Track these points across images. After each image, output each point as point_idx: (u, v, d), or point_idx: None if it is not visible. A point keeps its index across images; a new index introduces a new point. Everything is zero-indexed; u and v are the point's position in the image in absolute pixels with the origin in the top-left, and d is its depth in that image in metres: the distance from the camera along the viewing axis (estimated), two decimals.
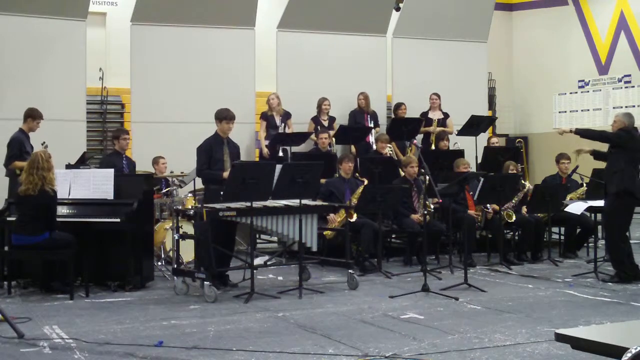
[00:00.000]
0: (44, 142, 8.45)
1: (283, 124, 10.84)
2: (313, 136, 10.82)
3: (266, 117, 10.95)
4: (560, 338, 2.71)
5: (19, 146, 8.54)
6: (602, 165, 9.12)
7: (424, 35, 12.24)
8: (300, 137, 10.50)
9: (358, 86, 11.43)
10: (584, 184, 9.76)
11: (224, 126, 7.69)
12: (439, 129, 11.46)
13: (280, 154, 10.53)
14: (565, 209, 8.73)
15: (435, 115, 11.76)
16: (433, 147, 11.27)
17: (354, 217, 8.59)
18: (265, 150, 10.70)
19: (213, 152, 7.61)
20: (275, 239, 9.60)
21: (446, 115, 11.74)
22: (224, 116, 7.69)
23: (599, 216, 9.18)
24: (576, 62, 15.37)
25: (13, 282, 7.39)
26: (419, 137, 11.75)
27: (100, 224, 7.37)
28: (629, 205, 7.81)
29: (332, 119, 11.22)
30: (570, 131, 8.20)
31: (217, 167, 7.58)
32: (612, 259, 7.95)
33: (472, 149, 10.90)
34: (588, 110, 15.23)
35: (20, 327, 5.54)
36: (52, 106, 9.33)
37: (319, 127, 10.94)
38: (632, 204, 7.82)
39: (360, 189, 8.86)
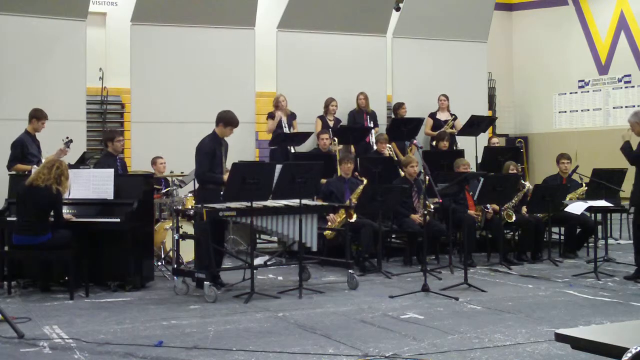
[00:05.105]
0: (68, 137, 8.39)
1: (288, 125, 10.82)
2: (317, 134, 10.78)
3: (274, 117, 10.90)
4: (560, 338, 2.71)
5: (21, 148, 8.51)
6: (601, 165, 9.13)
7: (424, 35, 12.24)
8: (302, 137, 10.49)
9: (358, 86, 11.43)
10: (584, 184, 9.75)
11: (228, 131, 7.61)
12: (449, 130, 11.42)
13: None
14: (565, 209, 8.72)
15: (443, 116, 11.75)
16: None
17: (354, 217, 8.59)
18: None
19: (215, 152, 7.56)
20: (275, 239, 9.60)
21: (454, 117, 11.72)
22: (234, 123, 7.58)
23: (599, 216, 9.16)
24: (576, 62, 15.37)
25: (13, 282, 7.38)
26: (427, 138, 11.74)
27: (100, 224, 7.36)
28: None
29: (337, 121, 11.18)
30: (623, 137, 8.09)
31: (218, 169, 7.53)
32: (637, 262, 7.98)
33: (472, 149, 10.90)
34: (588, 110, 15.23)
35: (20, 327, 5.54)
36: (52, 106, 9.31)
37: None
38: None
39: (360, 188, 8.86)
